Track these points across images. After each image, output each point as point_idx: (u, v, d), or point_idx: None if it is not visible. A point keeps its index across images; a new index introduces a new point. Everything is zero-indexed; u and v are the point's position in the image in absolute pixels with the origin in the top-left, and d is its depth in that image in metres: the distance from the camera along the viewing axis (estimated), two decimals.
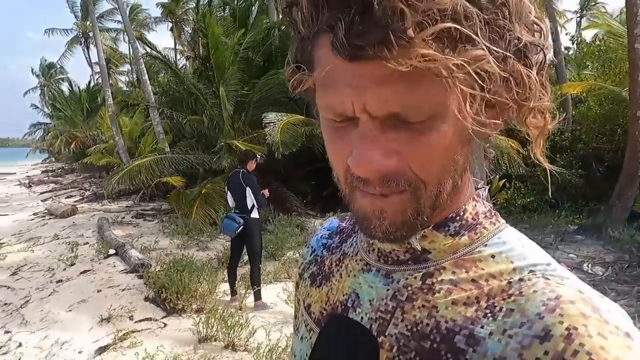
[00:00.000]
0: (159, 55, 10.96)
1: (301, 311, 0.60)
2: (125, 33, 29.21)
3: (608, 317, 0.37)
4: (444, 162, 0.41)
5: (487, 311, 0.42)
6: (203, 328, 3.78)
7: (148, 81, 12.52)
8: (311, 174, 11.52)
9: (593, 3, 27.92)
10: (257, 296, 4.68)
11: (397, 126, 0.39)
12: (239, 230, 4.56)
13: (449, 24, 0.34)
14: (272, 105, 10.25)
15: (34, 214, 11.19)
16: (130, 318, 4.38)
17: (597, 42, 17.86)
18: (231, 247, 4.96)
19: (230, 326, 3.68)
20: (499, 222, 0.48)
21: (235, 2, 13.70)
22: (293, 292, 4.30)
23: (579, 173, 10.87)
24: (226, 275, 5.01)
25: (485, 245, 0.46)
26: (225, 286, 5.05)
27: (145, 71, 12.45)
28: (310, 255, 0.63)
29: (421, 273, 0.46)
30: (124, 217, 10.19)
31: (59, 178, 21.29)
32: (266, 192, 4.93)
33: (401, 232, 0.44)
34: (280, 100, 10.72)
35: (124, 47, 31.75)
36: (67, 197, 14.30)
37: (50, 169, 28.26)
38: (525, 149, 11.13)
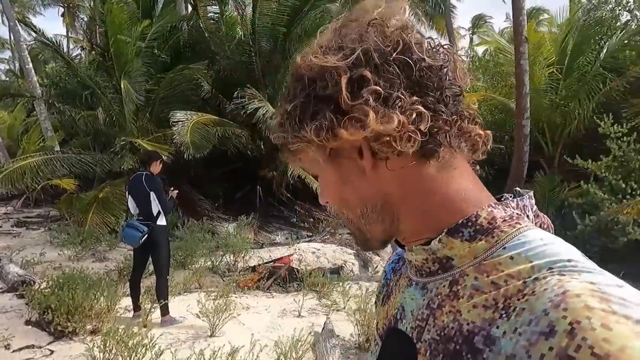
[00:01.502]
0: (47, 41, 9.68)
1: (374, 329, 0.67)
2: (4, 15, 25.69)
3: (617, 307, 0.37)
4: (334, 197, 0.56)
5: (503, 312, 0.43)
6: (99, 352, 3.32)
7: (33, 70, 11.04)
8: (224, 176, 11.07)
9: (483, 22, 31.05)
10: (164, 311, 4.29)
11: (319, 181, 0.58)
12: (142, 239, 4.13)
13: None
14: (180, 103, 9.65)
15: None
16: (7, 347, 3.71)
17: (487, 57, 19.84)
18: (134, 257, 4.49)
19: (132, 348, 3.27)
20: (520, 224, 0.49)
21: None
22: (207, 303, 3.98)
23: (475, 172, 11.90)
24: (128, 289, 4.52)
25: (504, 248, 0.47)
26: (128, 301, 4.56)
27: (29, 59, 10.98)
28: (383, 279, 0.70)
29: (448, 281, 0.50)
30: (1, 226, 8.81)
31: None
32: (175, 193, 4.54)
33: (359, 245, 0.61)
34: (190, 98, 10.16)
35: (3, 31, 27.82)
36: None
37: None
38: None
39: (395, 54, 0.48)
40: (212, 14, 11.60)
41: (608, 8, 9.68)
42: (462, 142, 0.52)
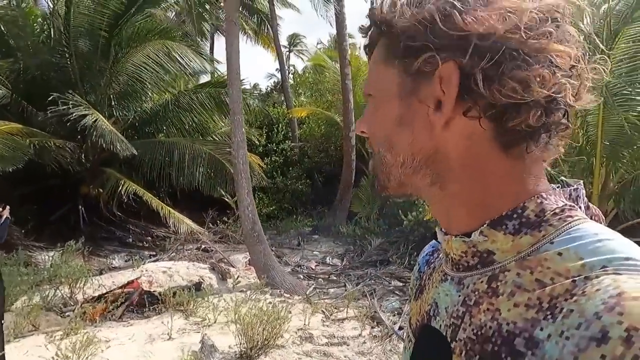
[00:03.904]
0: None
1: (407, 324, 0.64)
2: None
3: None
4: (376, 132, 0.54)
5: (548, 312, 0.40)
6: None
7: None
8: (32, 197, 9.28)
9: (298, 40, 33.79)
10: None
11: (369, 106, 0.55)
12: None
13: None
14: None
15: None
16: None
17: (307, 74, 21.73)
18: None
19: None
20: (572, 217, 0.45)
21: None
22: (57, 345, 3.44)
23: (306, 183, 12.93)
24: None
25: (552, 243, 0.44)
26: None
27: None
28: (417, 272, 0.67)
29: (487, 276, 0.47)
30: None
31: None
32: (7, 211, 3.75)
33: (372, 188, 0.73)
34: None
35: None
36: None
37: None
38: (265, 162, 12.45)
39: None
40: (7, 2, 9.66)
41: None
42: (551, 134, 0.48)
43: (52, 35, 9.75)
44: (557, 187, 0.49)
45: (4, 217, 3.75)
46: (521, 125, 0.45)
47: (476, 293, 0.47)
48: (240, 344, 4.07)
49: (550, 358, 0.38)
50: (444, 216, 0.53)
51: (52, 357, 3.52)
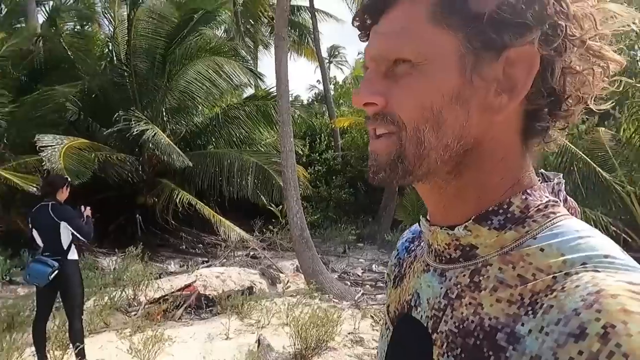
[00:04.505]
0: None
1: (384, 311, 0.63)
2: None
3: None
4: (417, 105, 0.45)
5: (529, 308, 0.40)
6: None
7: None
8: (94, 206, 9.97)
9: (337, 52, 34.20)
10: (81, 354, 3.83)
11: (390, 76, 0.47)
12: (52, 275, 3.67)
13: None
14: (44, 126, 8.51)
15: None
16: None
17: (347, 84, 21.93)
18: (38, 299, 3.91)
19: None
20: (555, 214, 0.46)
21: None
22: (130, 340, 3.72)
23: (350, 191, 13.04)
24: (27, 338, 3.91)
25: (535, 239, 0.44)
26: (26, 353, 3.92)
27: None
28: (395, 257, 0.66)
29: (470, 270, 0.47)
30: None
31: None
32: (88, 210, 4.12)
33: (385, 173, 0.48)
34: (55, 121, 9.04)
35: None
36: None
37: None
38: (308, 171, 12.69)
39: None
40: (71, 30, 10.54)
41: None
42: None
43: (113, 57, 10.52)
44: (541, 181, 0.50)
45: (86, 215, 4.09)
46: (553, 120, 0.47)
47: (458, 286, 0.47)
48: (295, 344, 4.23)
49: (531, 353, 0.38)
50: (437, 206, 0.51)
51: (127, 350, 3.83)
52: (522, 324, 0.40)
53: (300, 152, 12.98)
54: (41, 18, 11.34)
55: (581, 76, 0.45)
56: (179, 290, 6.31)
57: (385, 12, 0.48)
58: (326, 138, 14.33)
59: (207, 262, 8.63)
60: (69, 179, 4.27)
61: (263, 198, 9.96)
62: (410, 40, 0.45)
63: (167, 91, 10.08)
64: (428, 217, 0.54)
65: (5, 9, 11.24)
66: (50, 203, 3.85)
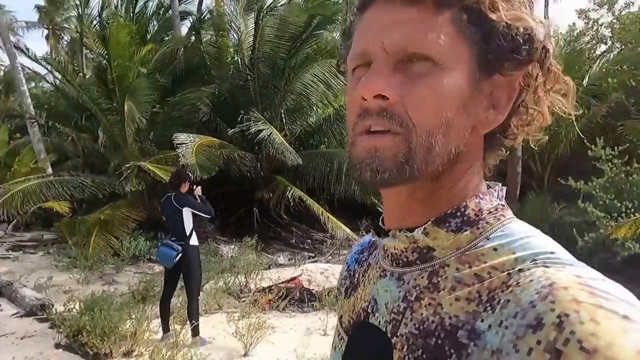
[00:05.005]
0: (49, 64, 9.66)
1: (336, 323, 0.63)
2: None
3: (604, 301, 0.36)
4: (434, 109, 0.44)
5: (487, 305, 0.42)
6: None
7: (27, 92, 10.92)
8: (220, 198, 11.08)
9: None
10: (195, 331, 4.30)
11: (405, 70, 0.45)
12: (177, 258, 4.17)
13: None
14: (180, 125, 9.72)
15: None
16: None
17: None
18: (165, 278, 4.50)
19: None
20: (504, 216, 0.49)
21: (132, 12, 12.82)
22: (239, 323, 4.03)
23: None
24: (155, 311, 4.51)
25: (488, 239, 0.47)
26: (153, 323, 4.53)
27: (23, 80, 10.86)
28: (346, 270, 0.67)
29: (428, 272, 0.48)
30: None
31: None
32: (199, 189, 4.58)
33: (391, 174, 0.45)
34: (190, 121, 10.24)
35: None
36: None
37: None
38: None
39: None
40: (210, 39, 11.80)
41: (586, 40, 10.44)
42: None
43: (240, 62, 11.52)
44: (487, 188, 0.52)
45: (198, 195, 4.53)
46: (512, 133, 0.51)
47: (417, 288, 0.48)
48: None
49: (492, 347, 0.39)
50: (399, 209, 0.51)
51: (232, 333, 4.18)
52: (482, 320, 0.41)
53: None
54: (184, 30, 12.93)
55: (530, 116, 0.50)
56: (285, 282, 6.67)
57: None
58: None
59: (313, 257, 8.95)
60: (190, 175, 4.78)
61: (372, 198, 9.97)
62: (437, 37, 0.44)
63: (285, 93, 10.69)
64: (381, 223, 0.55)
65: (157, 25, 13.04)
66: (173, 194, 4.38)
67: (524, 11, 0.46)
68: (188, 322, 4.33)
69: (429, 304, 0.46)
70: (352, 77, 0.50)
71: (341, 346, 0.58)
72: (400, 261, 0.51)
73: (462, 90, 0.45)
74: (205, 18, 12.48)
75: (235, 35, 11.51)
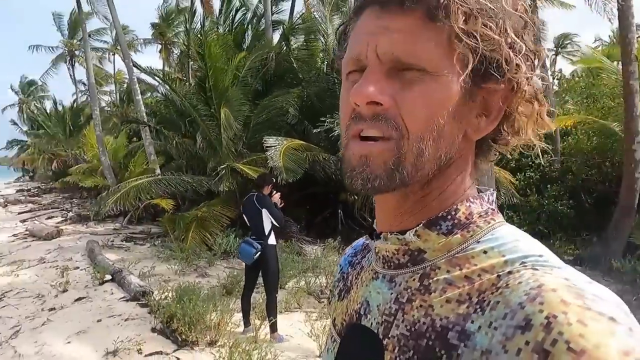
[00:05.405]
0: (158, 77, 10.80)
1: (329, 325, 0.63)
2: (111, 53, 28.97)
3: (592, 303, 0.37)
4: (426, 115, 0.45)
5: (477, 306, 0.43)
6: None
7: (141, 101, 12.30)
8: (306, 199, 11.37)
9: (568, 41, 29.39)
10: (274, 328, 4.45)
11: (399, 77, 0.46)
12: (256, 256, 4.36)
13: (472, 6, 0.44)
14: (270, 128, 10.18)
15: (14, 235, 10.59)
16: (139, 352, 4.06)
17: (577, 79, 18.65)
18: (245, 274, 4.73)
19: None
20: (495, 220, 0.50)
21: (230, 25, 13.76)
22: (312, 324, 4.06)
23: (568, 203, 11.08)
24: (238, 304, 4.76)
25: (478, 242, 0.47)
26: (235, 317, 4.79)
27: (138, 91, 12.24)
28: (339, 273, 0.67)
29: (419, 274, 0.49)
30: (112, 241, 9.74)
31: (37, 198, 20.36)
32: (277, 196, 4.69)
33: (381, 181, 0.46)
34: (279, 124, 10.67)
35: (108, 67, 31.42)
36: (48, 218, 13.64)
37: (25, 188, 27.07)
38: (516, 178, 11.39)
39: None
40: (300, 44, 12.20)
41: None
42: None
43: (326, 66, 11.72)
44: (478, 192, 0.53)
45: (274, 202, 4.63)
46: (503, 140, 0.52)
47: (408, 290, 0.49)
48: None
49: (481, 348, 0.40)
50: (393, 213, 0.52)
51: (308, 333, 4.24)
52: (472, 322, 0.42)
53: (509, 155, 11.74)
54: (276, 37, 13.55)
55: (522, 123, 0.51)
56: None
57: (402, 6, 0.46)
58: (542, 140, 12.55)
59: None
60: (274, 181, 4.94)
61: None
62: (429, 47, 0.45)
63: None
64: (374, 226, 0.56)
65: (251, 34, 13.85)
66: (255, 194, 4.57)
67: (504, 34, 0.46)
68: (267, 318, 4.49)
69: (420, 306, 0.47)
70: (347, 80, 0.51)
71: (334, 348, 0.59)
72: (392, 263, 0.52)
73: (453, 97, 0.46)
74: (296, 25, 12.93)
75: (322, 40, 11.76)
